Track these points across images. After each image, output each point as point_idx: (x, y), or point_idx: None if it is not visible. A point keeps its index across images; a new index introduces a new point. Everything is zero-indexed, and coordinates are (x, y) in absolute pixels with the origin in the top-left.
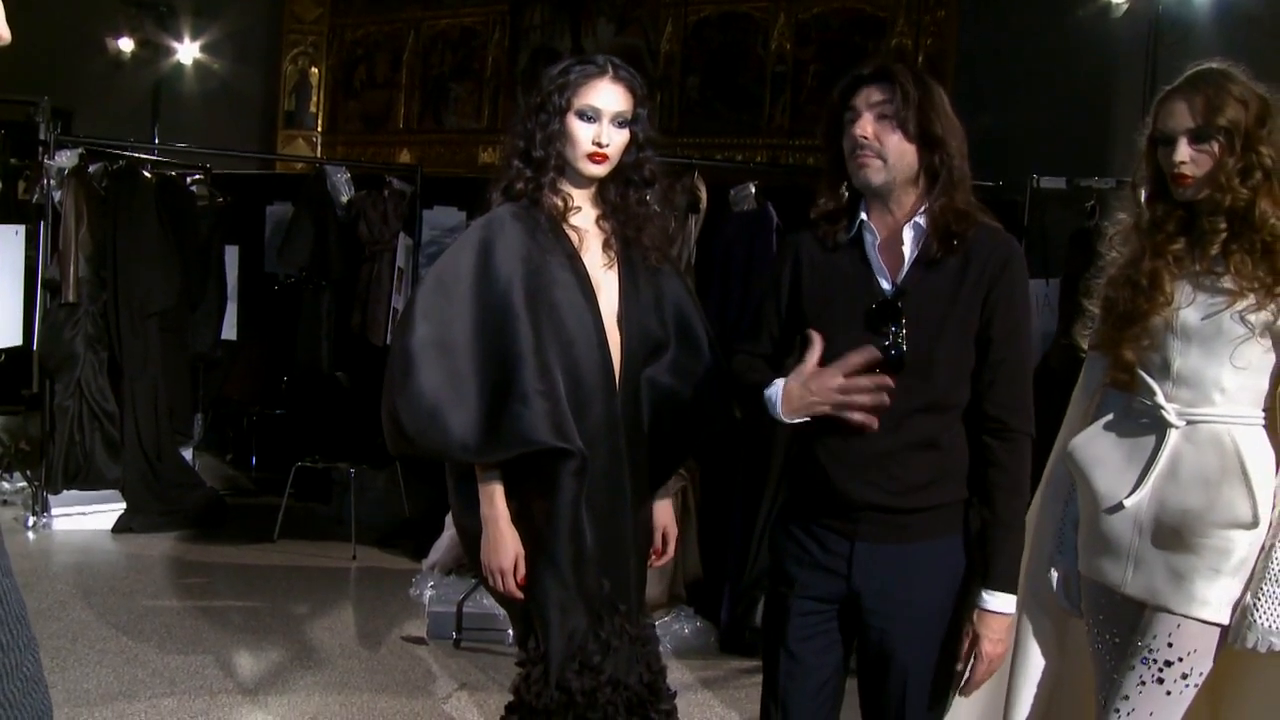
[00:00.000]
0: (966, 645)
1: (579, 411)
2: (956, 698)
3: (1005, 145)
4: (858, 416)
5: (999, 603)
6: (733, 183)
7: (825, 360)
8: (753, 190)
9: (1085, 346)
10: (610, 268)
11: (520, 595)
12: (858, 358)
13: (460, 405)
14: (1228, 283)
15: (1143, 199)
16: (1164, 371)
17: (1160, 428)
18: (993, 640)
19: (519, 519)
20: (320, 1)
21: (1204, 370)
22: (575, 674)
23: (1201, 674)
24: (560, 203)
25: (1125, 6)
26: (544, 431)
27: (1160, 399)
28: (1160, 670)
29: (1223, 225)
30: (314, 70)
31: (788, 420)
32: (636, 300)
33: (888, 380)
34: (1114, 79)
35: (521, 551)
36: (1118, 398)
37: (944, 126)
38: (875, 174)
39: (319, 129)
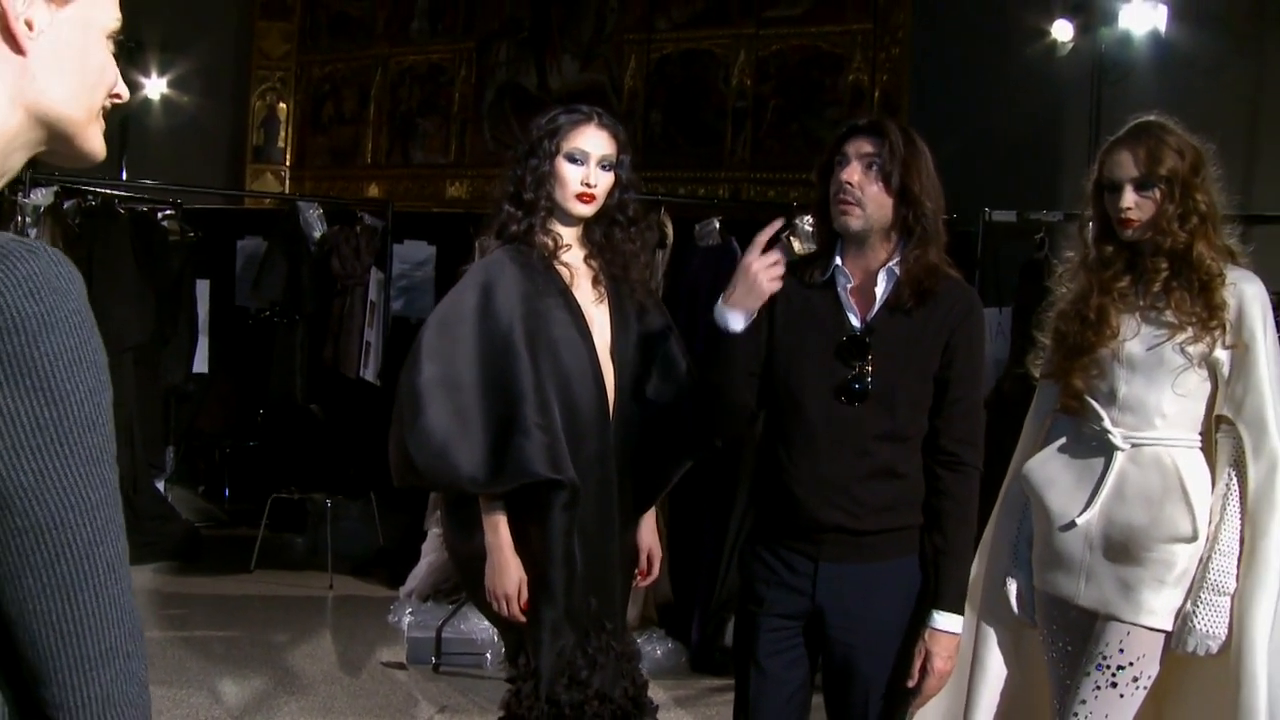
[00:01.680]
0: (918, 662)
1: (574, 443)
2: (917, 709)
3: (958, 179)
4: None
5: (948, 622)
6: (696, 218)
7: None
8: (717, 225)
9: (1038, 375)
10: (600, 303)
11: (524, 619)
12: (763, 237)
13: (467, 440)
14: (1169, 317)
15: (1090, 239)
16: (1110, 398)
17: (1107, 450)
18: (942, 657)
19: (517, 545)
20: (288, 38)
21: (1147, 397)
22: (564, 688)
23: (1150, 677)
24: (551, 242)
25: (1070, 46)
26: (540, 464)
27: (1107, 424)
28: (1114, 675)
29: (1164, 265)
30: (282, 105)
31: (736, 321)
32: (625, 335)
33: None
34: (1060, 116)
35: (525, 577)
36: (1068, 423)
37: (923, 185)
38: (854, 220)
39: (287, 164)
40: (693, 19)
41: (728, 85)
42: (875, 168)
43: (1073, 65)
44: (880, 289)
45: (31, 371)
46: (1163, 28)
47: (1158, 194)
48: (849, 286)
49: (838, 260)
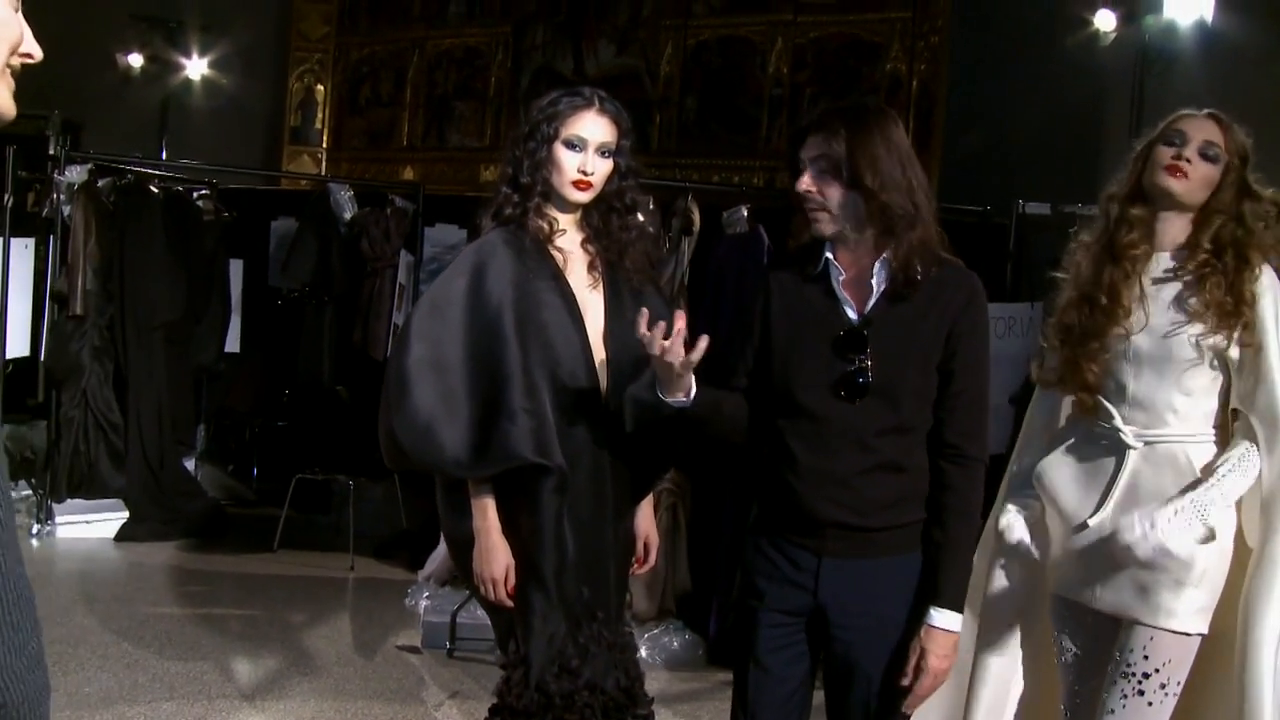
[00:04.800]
0: (914, 660)
1: (565, 428)
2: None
3: (993, 170)
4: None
5: (946, 620)
6: (727, 205)
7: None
8: (745, 213)
9: (1037, 380)
10: (595, 288)
11: (510, 603)
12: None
13: (453, 422)
14: (1193, 303)
15: (1114, 204)
16: (1120, 395)
17: (1119, 449)
18: (938, 655)
19: (506, 530)
20: (327, 20)
21: (1156, 394)
22: (554, 677)
23: (1179, 683)
24: (546, 226)
25: (1113, 35)
26: (527, 448)
27: (1118, 422)
28: (1140, 683)
29: (1209, 245)
30: (320, 87)
31: (672, 401)
32: (621, 319)
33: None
34: (1101, 107)
35: (512, 562)
36: (1079, 423)
37: (876, 175)
38: (825, 226)
39: (324, 145)
40: (730, 5)
41: (764, 72)
42: (828, 170)
43: (1115, 55)
44: (876, 279)
45: None
46: (1209, 17)
47: (1219, 169)
48: (842, 279)
49: (828, 254)
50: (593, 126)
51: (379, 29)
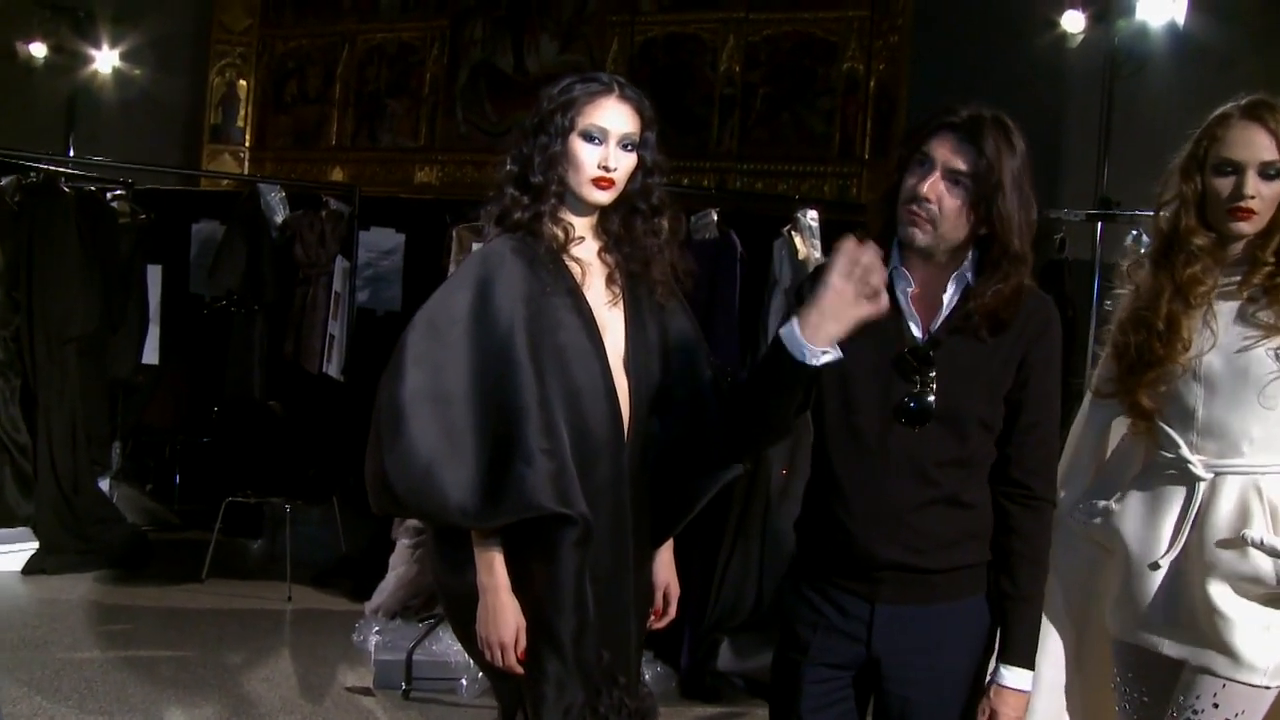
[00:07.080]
0: None
1: (584, 468)
2: None
3: None
4: (869, 306)
5: (1016, 678)
6: (689, 209)
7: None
8: (715, 217)
9: (1091, 391)
10: (615, 305)
11: (521, 670)
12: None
13: (457, 464)
14: (1265, 316)
15: (1173, 227)
16: (1187, 422)
17: (1188, 480)
18: (1010, 717)
19: (517, 586)
20: (250, 11)
21: (1230, 419)
22: None
23: None
24: (561, 233)
25: (1081, 37)
26: (547, 496)
27: (1185, 451)
28: None
29: (1271, 259)
30: (242, 82)
31: (814, 356)
32: (643, 342)
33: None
34: (1068, 110)
35: (523, 623)
36: (1135, 449)
37: (1010, 205)
38: (922, 235)
39: (247, 144)
40: (680, 1)
41: (715, 71)
42: (962, 184)
43: (1083, 57)
44: (948, 295)
45: None
46: (1181, 20)
47: None
48: (910, 292)
49: (896, 262)
50: (614, 115)
51: (306, 21)
